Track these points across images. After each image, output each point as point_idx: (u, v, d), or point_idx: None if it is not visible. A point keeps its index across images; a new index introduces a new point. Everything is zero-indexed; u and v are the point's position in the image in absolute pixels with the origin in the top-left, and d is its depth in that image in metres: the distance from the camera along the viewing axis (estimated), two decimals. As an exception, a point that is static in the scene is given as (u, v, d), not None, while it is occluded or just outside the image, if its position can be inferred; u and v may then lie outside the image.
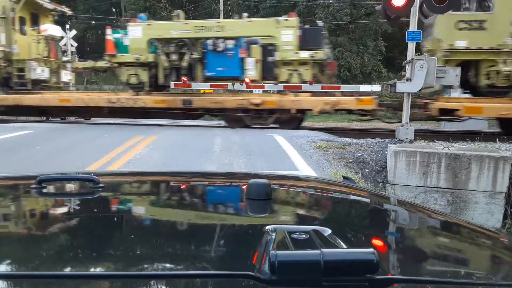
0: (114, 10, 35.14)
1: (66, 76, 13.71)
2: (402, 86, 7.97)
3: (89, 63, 14.00)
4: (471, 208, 5.64)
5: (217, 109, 10.91)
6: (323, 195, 1.45)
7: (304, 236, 0.72)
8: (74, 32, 17.27)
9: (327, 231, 0.77)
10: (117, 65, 11.54)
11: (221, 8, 26.91)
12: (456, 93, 11.51)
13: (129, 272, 0.68)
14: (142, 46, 11.06)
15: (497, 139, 7.77)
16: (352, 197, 1.39)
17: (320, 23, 12.02)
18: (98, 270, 0.71)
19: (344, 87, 10.60)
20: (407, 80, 7.88)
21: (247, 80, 10.80)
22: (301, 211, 1.19)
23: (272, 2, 28.07)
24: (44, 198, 1.17)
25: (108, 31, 11.70)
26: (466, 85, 9.94)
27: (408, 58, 7.86)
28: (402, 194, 5.74)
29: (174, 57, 10.94)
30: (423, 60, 7.75)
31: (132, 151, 6.81)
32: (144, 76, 11.29)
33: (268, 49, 10.48)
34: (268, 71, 10.61)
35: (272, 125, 10.55)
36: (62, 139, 8.48)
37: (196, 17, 29.90)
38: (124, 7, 32.32)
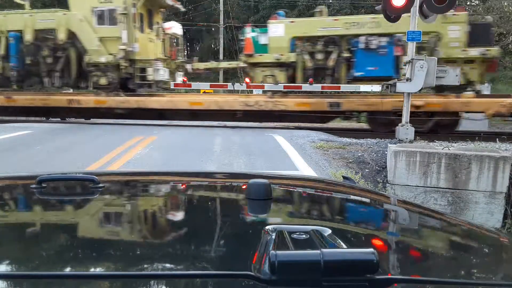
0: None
1: (180, 77, 12.66)
2: (402, 86, 7.97)
3: (212, 64, 13.03)
4: (471, 208, 5.63)
5: (369, 111, 9.91)
6: (323, 195, 1.45)
7: (304, 236, 0.72)
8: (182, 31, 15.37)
9: (327, 231, 0.77)
10: (246, 65, 10.81)
11: (221, 8, 26.90)
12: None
13: (129, 272, 0.68)
14: (283, 45, 10.32)
15: (497, 139, 7.78)
16: (352, 197, 1.39)
17: (489, 18, 10.93)
18: (98, 270, 0.71)
19: (344, 87, 10.49)
20: (407, 80, 7.88)
21: (247, 80, 10.76)
22: (301, 211, 1.19)
23: (272, 2, 28.05)
24: (44, 198, 1.17)
25: (248, 29, 11.00)
26: None
27: (408, 58, 7.86)
28: (402, 194, 5.74)
29: (319, 56, 10.19)
30: (423, 60, 7.75)
31: (132, 151, 6.81)
32: (281, 77, 10.55)
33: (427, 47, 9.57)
34: None
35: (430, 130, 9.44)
36: (62, 139, 8.48)
37: (196, 17, 29.93)
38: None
